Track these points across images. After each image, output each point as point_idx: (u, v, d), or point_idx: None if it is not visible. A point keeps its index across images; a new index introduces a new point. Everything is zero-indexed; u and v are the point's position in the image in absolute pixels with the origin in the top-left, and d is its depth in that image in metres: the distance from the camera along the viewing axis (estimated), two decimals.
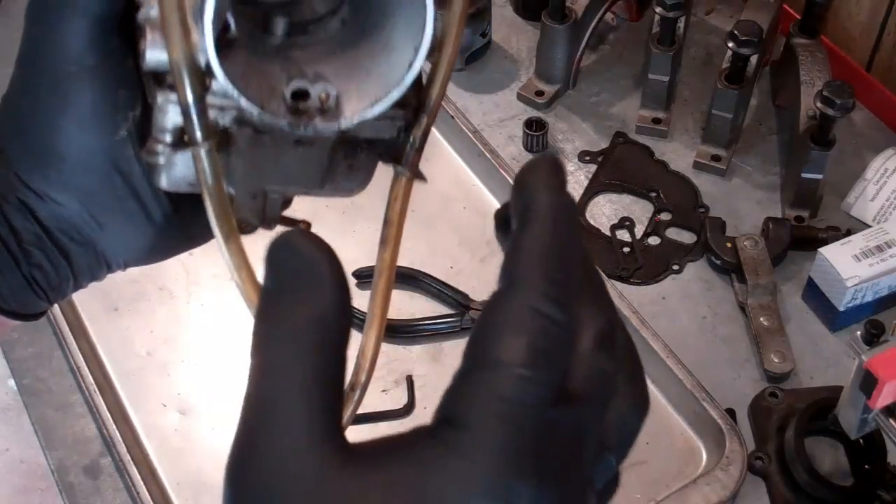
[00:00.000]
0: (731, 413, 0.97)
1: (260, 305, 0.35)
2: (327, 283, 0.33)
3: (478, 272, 1.12)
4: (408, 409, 1.01)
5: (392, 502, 0.30)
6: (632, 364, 0.37)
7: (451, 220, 1.17)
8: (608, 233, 1.15)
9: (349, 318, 0.33)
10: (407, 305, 1.09)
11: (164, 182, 0.43)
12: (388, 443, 0.32)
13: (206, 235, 0.43)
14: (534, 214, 0.34)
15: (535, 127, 1.22)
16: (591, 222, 1.16)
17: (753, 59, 1.14)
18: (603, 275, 1.07)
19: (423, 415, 1.01)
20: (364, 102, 0.41)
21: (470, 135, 1.21)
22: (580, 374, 0.34)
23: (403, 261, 1.26)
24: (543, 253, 0.33)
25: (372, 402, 1.01)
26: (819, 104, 1.04)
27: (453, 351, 1.06)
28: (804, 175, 1.10)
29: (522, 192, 0.35)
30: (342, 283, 0.33)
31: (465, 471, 0.30)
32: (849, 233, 1.07)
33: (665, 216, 1.16)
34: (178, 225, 0.48)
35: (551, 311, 0.32)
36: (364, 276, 1.05)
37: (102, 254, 0.48)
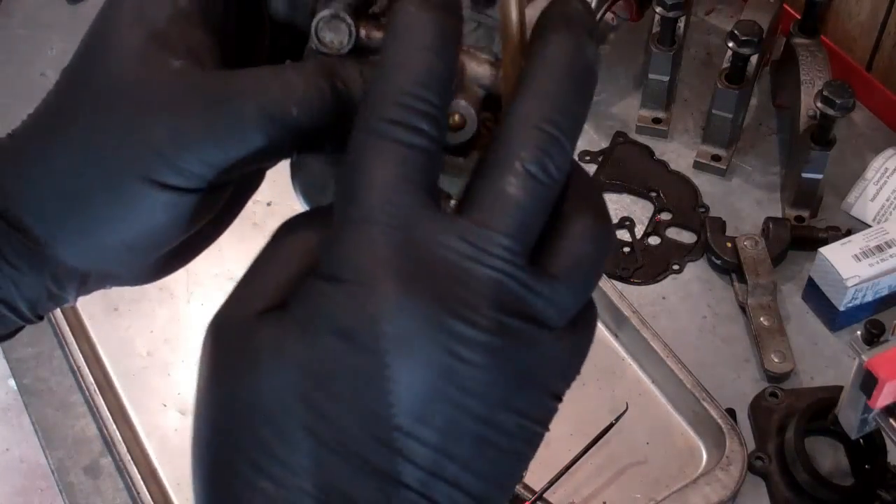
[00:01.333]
0: (731, 413, 0.97)
1: None
2: None
3: None
4: None
5: None
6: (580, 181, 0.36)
7: None
8: None
9: None
10: None
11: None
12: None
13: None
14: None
15: None
16: None
17: (753, 59, 1.14)
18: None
19: None
20: None
21: None
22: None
23: None
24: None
25: None
26: (819, 104, 1.04)
27: None
28: (804, 175, 1.10)
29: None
30: None
31: None
32: (849, 233, 1.07)
33: (665, 216, 1.16)
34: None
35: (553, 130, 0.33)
36: None
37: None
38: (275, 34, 0.41)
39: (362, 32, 0.38)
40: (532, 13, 0.37)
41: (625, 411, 0.95)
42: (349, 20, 0.38)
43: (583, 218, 0.34)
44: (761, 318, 1.04)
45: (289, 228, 0.35)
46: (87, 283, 0.42)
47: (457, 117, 0.37)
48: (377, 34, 0.38)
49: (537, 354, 0.33)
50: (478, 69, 0.38)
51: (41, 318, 0.43)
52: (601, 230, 0.34)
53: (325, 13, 0.38)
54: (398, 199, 0.32)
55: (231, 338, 0.34)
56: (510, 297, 0.32)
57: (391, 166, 0.32)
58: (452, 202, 0.37)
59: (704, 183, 1.19)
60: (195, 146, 0.36)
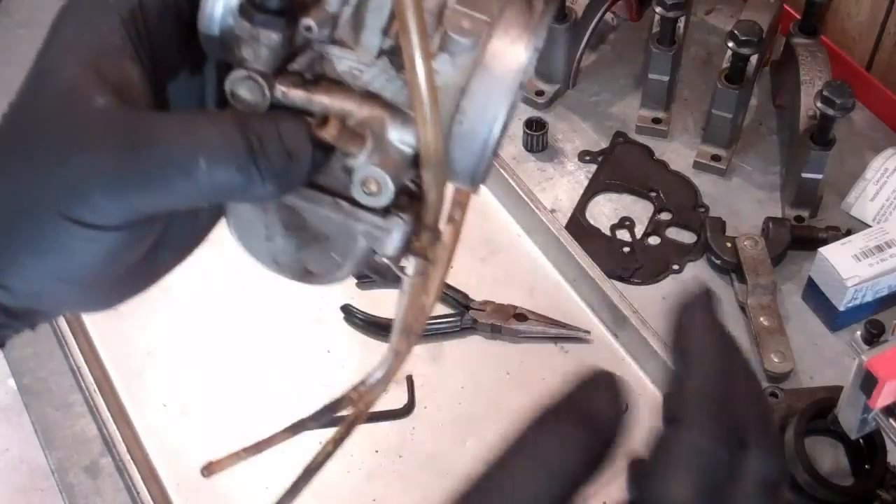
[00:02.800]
0: None
1: None
2: None
3: (478, 272, 1.12)
4: (408, 408, 1.01)
5: None
6: None
7: None
8: (608, 233, 1.15)
9: None
10: None
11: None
12: None
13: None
14: (694, 357, 0.36)
15: (535, 127, 1.22)
16: (591, 222, 1.16)
17: (753, 59, 1.14)
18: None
19: (424, 414, 1.01)
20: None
21: None
22: None
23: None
24: (707, 392, 0.35)
25: None
26: (819, 104, 1.04)
27: (453, 351, 1.06)
28: (804, 175, 1.10)
29: (680, 334, 0.36)
30: None
31: None
32: (849, 233, 1.07)
33: (665, 216, 1.16)
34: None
35: (715, 448, 0.33)
36: (362, 277, 1.05)
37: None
38: (218, 68, 0.42)
39: (278, 92, 0.39)
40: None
41: (625, 411, 0.95)
42: (261, 81, 0.38)
43: None
44: (761, 318, 1.04)
45: None
46: (37, 315, 0.43)
47: (371, 184, 0.38)
48: (296, 92, 0.39)
49: None
50: (399, 129, 0.39)
51: (2, 345, 0.43)
52: None
53: (237, 73, 0.38)
54: None
55: None
56: None
57: None
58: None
59: (704, 183, 1.19)
60: (107, 187, 0.36)
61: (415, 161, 0.39)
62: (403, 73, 0.37)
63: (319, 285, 0.44)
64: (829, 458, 0.96)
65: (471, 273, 1.12)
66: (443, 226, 0.41)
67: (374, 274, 0.46)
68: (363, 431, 1.05)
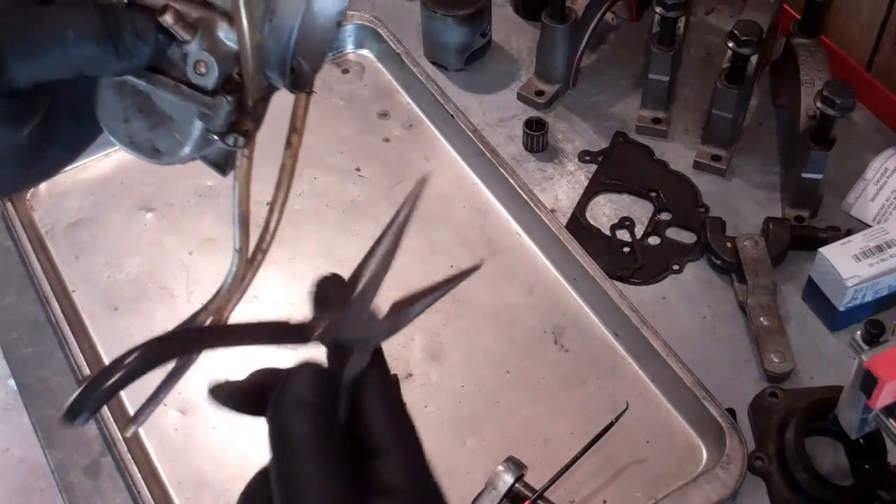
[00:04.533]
0: (731, 413, 0.97)
1: None
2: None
3: (478, 272, 1.12)
4: None
5: None
6: None
7: (450, 219, 1.17)
8: (608, 233, 1.15)
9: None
10: None
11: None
12: None
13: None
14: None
15: (535, 127, 1.22)
16: (591, 222, 1.16)
17: (753, 59, 1.14)
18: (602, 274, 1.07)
19: (424, 414, 1.01)
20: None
21: (470, 134, 1.21)
22: None
23: (403, 260, 1.26)
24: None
25: None
26: (819, 104, 1.04)
27: (453, 351, 1.06)
28: (804, 175, 1.10)
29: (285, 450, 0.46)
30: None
31: None
32: (849, 233, 1.07)
33: (665, 216, 1.16)
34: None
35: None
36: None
37: None
38: None
39: None
40: None
41: (625, 410, 0.95)
42: None
43: None
44: (761, 318, 1.04)
45: None
46: None
47: (201, 66, 0.48)
48: None
49: None
50: (226, 30, 0.48)
51: None
52: None
53: None
54: None
55: None
56: None
57: None
58: None
59: (704, 183, 1.19)
60: None
61: (238, 55, 0.48)
62: None
63: (166, 164, 0.52)
64: (829, 458, 0.96)
65: None
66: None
67: (213, 167, 0.54)
68: None
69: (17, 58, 0.46)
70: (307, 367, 0.48)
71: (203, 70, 0.48)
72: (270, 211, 0.52)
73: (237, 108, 0.49)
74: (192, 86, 0.49)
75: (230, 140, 0.49)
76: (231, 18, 0.48)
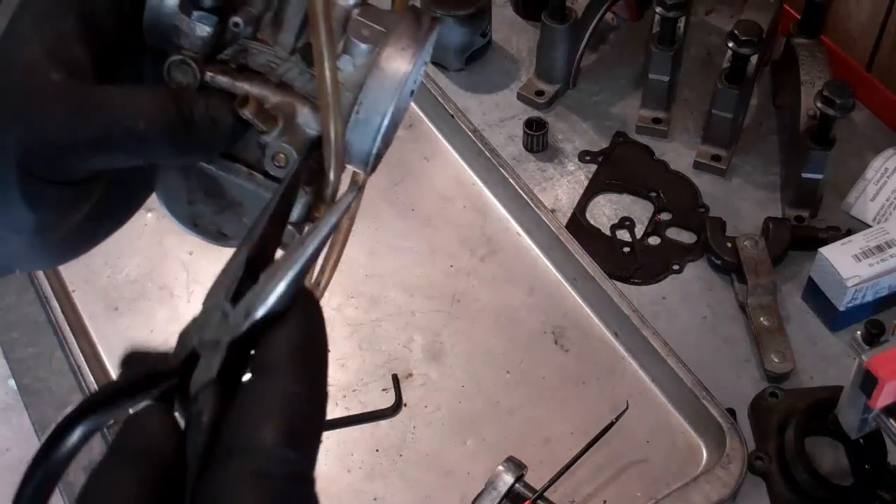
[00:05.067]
0: (731, 413, 0.97)
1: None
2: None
3: (478, 271, 1.12)
4: (395, 407, 1.01)
5: None
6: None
7: (450, 219, 1.17)
8: (608, 233, 1.15)
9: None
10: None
11: None
12: None
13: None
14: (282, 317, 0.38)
15: (535, 127, 1.22)
16: (592, 222, 1.16)
17: (753, 59, 1.14)
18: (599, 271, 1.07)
19: (424, 413, 1.01)
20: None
21: (470, 134, 1.21)
22: None
23: (404, 260, 1.27)
24: (292, 345, 0.37)
25: (372, 400, 1.02)
26: (819, 104, 1.04)
27: (453, 351, 1.06)
28: (804, 175, 1.10)
29: None
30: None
31: None
32: (849, 233, 1.07)
33: (665, 216, 1.16)
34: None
35: (302, 391, 0.35)
36: None
37: None
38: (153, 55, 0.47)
39: (208, 75, 0.46)
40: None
41: (625, 410, 0.95)
42: (194, 66, 0.45)
43: None
44: (761, 318, 1.04)
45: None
46: None
47: (280, 158, 0.46)
48: (222, 78, 0.46)
49: None
50: (307, 115, 0.46)
51: None
52: None
53: (174, 58, 0.45)
54: None
55: None
56: None
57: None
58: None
59: (704, 183, 1.19)
60: (61, 145, 0.42)
61: (318, 143, 0.46)
62: (313, 69, 0.44)
63: (230, 247, 0.49)
64: (829, 458, 0.96)
65: (471, 272, 1.12)
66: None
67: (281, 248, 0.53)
68: (363, 431, 1.05)
69: (78, 149, 0.42)
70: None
71: (282, 162, 0.46)
72: (321, 272, 0.51)
73: (315, 197, 0.47)
74: (267, 174, 0.47)
75: (305, 228, 0.47)
76: (312, 102, 0.46)
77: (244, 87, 0.46)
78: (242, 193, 0.48)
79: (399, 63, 0.45)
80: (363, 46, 0.46)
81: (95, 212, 0.47)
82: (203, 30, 0.45)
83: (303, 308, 0.38)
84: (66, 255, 0.48)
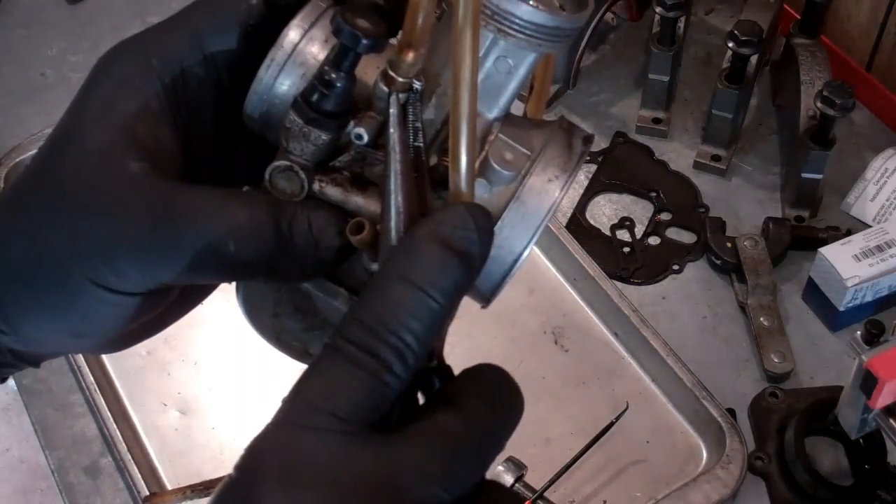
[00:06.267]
0: (731, 413, 0.97)
1: None
2: None
3: None
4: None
5: None
6: None
7: None
8: (608, 233, 1.15)
9: None
10: None
11: None
12: None
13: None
14: None
15: None
16: (591, 222, 1.16)
17: (753, 59, 1.14)
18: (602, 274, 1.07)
19: None
20: None
21: None
22: None
23: None
24: None
25: None
26: (819, 104, 1.04)
27: (453, 351, 1.06)
28: (804, 175, 1.10)
29: None
30: None
31: None
32: (849, 233, 1.07)
33: (665, 216, 1.16)
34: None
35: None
36: None
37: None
38: (251, 140, 0.41)
39: (316, 186, 0.39)
40: None
41: (625, 410, 0.95)
42: (302, 175, 0.38)
43: None
44: (761, 318, 1.04)
45: None
46: (44, 357, 0.43)
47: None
48: (332, 189, 0.39)
49: None
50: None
51: (3, 380, 0.44)
52: None
53: (279, 163, 0.38)
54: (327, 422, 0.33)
55: None
56: None
57: (340, 387, 0.33)
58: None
59: (704, 183, 1.19)
60: (134, 256, 0.36)
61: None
62: (444, 191, 0.38)
63: None
64: (829, 458, 0.96)
65: None
66: None
67: None
68: None
69: (154, 266, 0.36)
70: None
71: None
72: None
73: None
74: None
75: None
76: None
77: (357, 201, 0.39)
78: (337, 315, 0.42)
79: (544, 199, 0.39)
80: (505, 173, 0.39)
81: (162, 314, 0.43)
82: (319, 137, 0.38)
83: None
84: (127, 346, 0.45)
